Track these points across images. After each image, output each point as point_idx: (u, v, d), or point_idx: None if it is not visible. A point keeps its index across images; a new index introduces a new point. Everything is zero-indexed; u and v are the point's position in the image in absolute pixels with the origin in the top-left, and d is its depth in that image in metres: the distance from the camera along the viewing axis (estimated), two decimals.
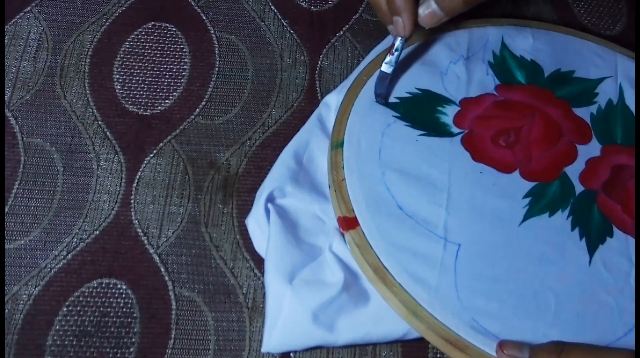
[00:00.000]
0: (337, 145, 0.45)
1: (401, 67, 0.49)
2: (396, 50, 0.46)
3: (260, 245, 0.45)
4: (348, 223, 0.42)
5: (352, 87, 0.48)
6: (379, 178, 0.44)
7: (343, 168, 0.44)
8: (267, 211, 0.44)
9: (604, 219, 0.44)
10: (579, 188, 0.45)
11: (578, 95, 0.49)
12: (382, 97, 0.47)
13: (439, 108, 0.48)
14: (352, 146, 0.45)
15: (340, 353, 0.43)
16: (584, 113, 0.49)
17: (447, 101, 0.48)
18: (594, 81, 0.50)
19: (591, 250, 0.42)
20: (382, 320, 0.41)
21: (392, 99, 0.48)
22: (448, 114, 0.47)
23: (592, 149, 0.47)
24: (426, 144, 0.46)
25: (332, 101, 0.50)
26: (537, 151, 0.46)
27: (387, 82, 0.47)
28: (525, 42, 0.52)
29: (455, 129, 0.47)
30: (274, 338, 0.41)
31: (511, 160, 0.46)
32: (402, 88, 0.48)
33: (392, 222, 0.42)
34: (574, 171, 0.46)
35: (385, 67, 0.47)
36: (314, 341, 0.41)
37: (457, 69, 0.50)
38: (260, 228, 0.45)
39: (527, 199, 0.44)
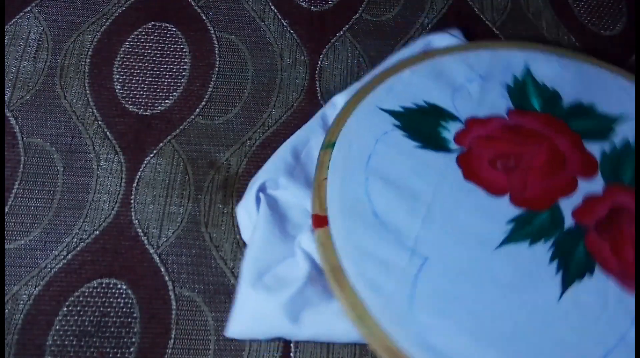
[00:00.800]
0: (328, 145, 0.46)
1: (414, 78, 0.49)
2: None
3: (247, 232, 0.45)
4: (319, 221, 0.42)
5: (360, 91, 0.48)
6: (361, 183, 0.44)
7: (328, 167, 0.44)
8: (258, 200, 0.45)
9: (588, 257, 0.42)
10: (569, 222, 0.43)
11: (593, 129, 0.47)
12: None
13: (442, 123, 0.47)
14: (342, 148, 0.45)
15: (341, 353, 0.43)
16: (595, 148, 0.47)
17: (452, 117, 0.47)
18: (614, 117, 0.48)
19: (565, 284, 0.41)
20: (344, 318, 0.41)
21: (396, 108, 0.47)
22: (450, 130, 0.47)
23: (594, 185, 0.45)
24: (419, 156, 0.45)
25: (340, 102, 0.50)
26: (534, 178, 0.45)
27: None
28: (551, 69, 0.50)
29: (453, 146, 0.46)
30: (238, 323, 0.41)
31: (503, 184, 0.45)
32: (410, 99, 0.48)
33: (363, 227, 0.42)
34: (568, 204, 0.44)
35: None
36: (277, 330, 0.41)
37: (471, 88, 0.49)
38: (250, 216, 0.45)
39: (510, 225, 0.43)
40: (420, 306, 0.39)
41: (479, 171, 0.45)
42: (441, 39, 0.52)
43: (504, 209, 0.43)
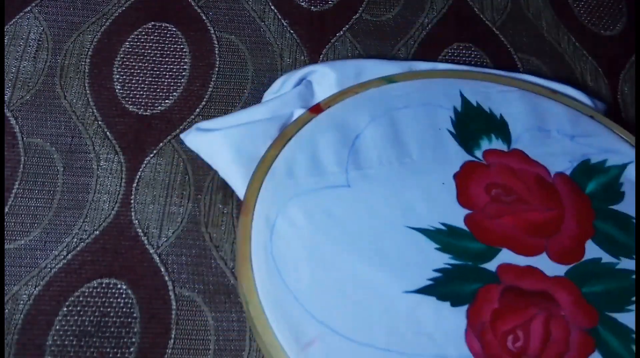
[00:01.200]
0: (387, 79, 0.49)
1: (513, 97, 0.48)
2: None
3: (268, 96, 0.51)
4: (316, 108, 0.47)
5: (461, 72, 0.50)
6: (372, 117, 0.46)
7: (369, 89, 0.48)
8: (301, 81, 0.50)
9: (470, 296, 0.40)
10: (491, 266, 0.41)
11: (614, 238, 0.43)
12: None
13: (493, 136, 0.46)
14: (391, 90, 0.48)
15: None
16: (593, 251, 0.42)
17: (505, 139, 0.46)
18: None
19: (422, 291, 0.39)
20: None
21: (472, 100, 0.48)
22: (491, 144, 0.46)
23: (551, 269, 0.41)
24: (440, 135, 0.46)
25: (445, 67, 0.52)
26: (508, 221, 0.43)
27: None
28: None
29: (477, 154, 0.45)
30: (195, 134, 0.47)
31: (477, 203, 0.43)
32: (490, 104, 0.48)
33: (334, 133, 0.45)
34: (509, 256, 0.41)
35: None
36: (218, 156, 0.46)
37: (553, 137, 0.47)
38: (282, 85, 0.50)
39: (441, 227, 0.42)
40: (302, 206, 0.42)
41: (468, 182, 0.44)
42: (576, 93, 0.50)
43: (454, 217, 0.42)
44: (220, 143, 0.46)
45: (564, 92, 0.50)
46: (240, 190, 0.45)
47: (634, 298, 0.40)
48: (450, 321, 0.39)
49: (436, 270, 0.40)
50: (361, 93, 0.48)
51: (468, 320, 0.39)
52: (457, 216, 0.42)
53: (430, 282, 0.40)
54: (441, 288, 0.40)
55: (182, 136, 0.48)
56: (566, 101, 0.49)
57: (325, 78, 0.49)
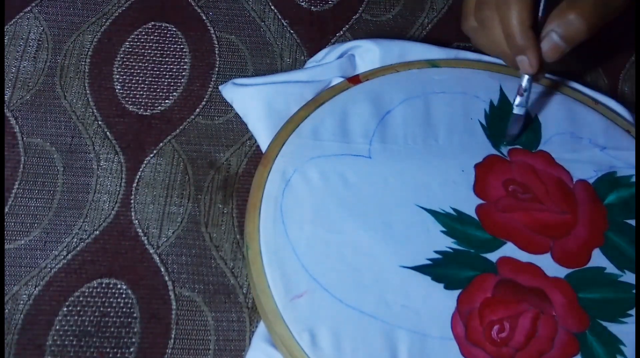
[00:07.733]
0: (430, 62, 0.49)
1: (563, 104, 0.49)
2: (525, 90, 0.44)
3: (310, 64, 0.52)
4: (355, 79, 0.48)
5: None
6: (407, 95, 0.47)
7: (411, 69, 0.49)
8: (344, 54, 0.50)
9: (463, 282, 0.40)
10: (492, 257, 0.41)
11: (623, 252, 0.43)
12: (512, 138, 0.46)
13: (523, 134, 0.47)
14: (433, 74, 0.49)
15: None
16: (600, 259, 0.42)
17: (534, 139, 0.47)
18: None
19: (419, 269, 0.40)
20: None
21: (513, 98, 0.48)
22: (521, 145, 0.47)
23: (553, 269, 0.41)
24: (469, 125, 0.46)
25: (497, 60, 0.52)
26: (520, 216, 0.43)
27: (520, 124, 0.45)
28: None
29: (502, 150, 0.46)
30: (231, 88, 0.49)
31: (492, 195, 0.44)
32: (532, 105, 0.48)
33: (366, 103, 0.46)
34: (511, 250, 0.42)
35: (517, 110, 0.44)
36: (251, 110, 0.47)
37: (585, 147, 0.46)
38: (324, 56, 0.51)
39: (452, 211, 0.42)
40: (320, 167, 0.43)
41: (488, 174, 0.44)
42: (617, 106, 0.50)
43: (466, 204, 0.43)
44: (254, 97, 0.47)
45: (605, 104, 0.50)
46: (264, 145, 0.47)
47: (630, 312, 0.40)
48: (440, 302, 0.39)
49: (437, 252, 0.41)
50: (402, 72, 0.49)
51: (458, 305, 0.39)
52: (469, 204, 0.43)
53: (428, 262, 0.41)
54: (438, 269, 0.40)
55: (220, 87, 0.51)
56: (605, 111, 0.49)
57: (368, 53, 0.50)
